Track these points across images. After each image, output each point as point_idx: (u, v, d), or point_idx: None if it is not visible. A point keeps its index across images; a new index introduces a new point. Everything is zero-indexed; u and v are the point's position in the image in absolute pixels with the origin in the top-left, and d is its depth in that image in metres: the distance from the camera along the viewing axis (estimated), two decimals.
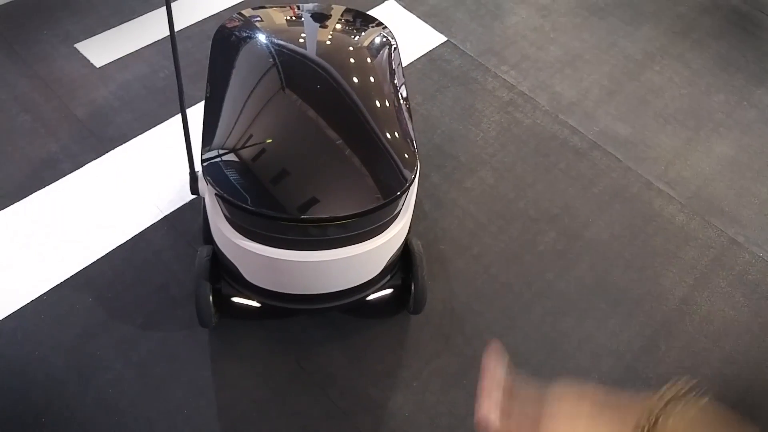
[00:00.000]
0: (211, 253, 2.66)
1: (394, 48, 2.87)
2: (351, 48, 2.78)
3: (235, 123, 2.44)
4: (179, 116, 3.58)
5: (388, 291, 2.82)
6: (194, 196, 3.24)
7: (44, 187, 3.28)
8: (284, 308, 2.68)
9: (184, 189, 3.29)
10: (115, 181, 3.34)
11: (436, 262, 3.19)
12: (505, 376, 1.27)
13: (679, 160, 3.81)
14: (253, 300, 2.69)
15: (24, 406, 2.61)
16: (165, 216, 3.21)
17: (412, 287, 2.78)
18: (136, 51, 4.00)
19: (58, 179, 3.32)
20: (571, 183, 3.62)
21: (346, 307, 2.73)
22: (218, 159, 2.34)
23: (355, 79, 2.63)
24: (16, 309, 2.85)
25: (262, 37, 2.77)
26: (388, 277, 2.78)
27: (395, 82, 2.71)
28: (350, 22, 2.97)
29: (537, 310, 3.08)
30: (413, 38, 4.32)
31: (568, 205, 3.51)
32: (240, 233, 2.38)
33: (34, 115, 3.60)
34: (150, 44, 4.04)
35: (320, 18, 2.94)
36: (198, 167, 2.50)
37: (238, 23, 2.87)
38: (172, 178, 3.36)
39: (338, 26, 2.91)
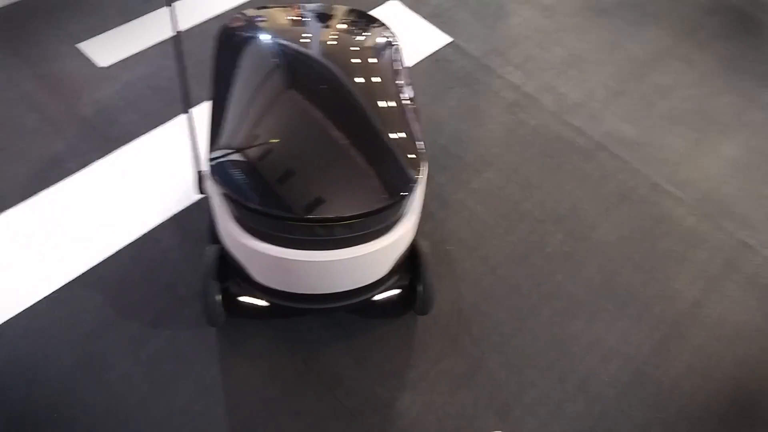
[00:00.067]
0: (219, 252, 2.65)
1: (398, 48, 2.87)
2: (355, 48, 2.78)
3: (241, 123, 2.44)
4: (184, 116, 3.59)
5: (395, 291, 2.80)
6: (201, 196, 3.24)
7: (51, 186, 3.28)
8: (291, 308, 2.68)
9: (191, 188, 3.28)
10: (121, 181, 3.33)
11: (443, 262, 3.18)
12: None
13: (688, 161, 3.80)
14: (261, 299, 2.68)
15: (35, 402, 2.60)
16: (172, 215, 3.20)
17: (419, 288, 2.77)
18: (140, 51, 3.99)
19: (64, 178, 3.31)
20: (577, 184, 3.60)
21: (353, 307, 2.72)
22: (225, 159, 2.33)
23: (360, 80, 2.62)
24: (26, 307, 2.85)
25: (265, 37, 2.77)
26: (395, 277, 2.77)
27: (400, 82, 2.70)
28: (353, 22, 2.97)
29: (545, 312, 3.07)
30: (418, 39, 4.31)
31: (575, 206, 3.50)
32: (247, 232, 2.37)
33: (40, 115, 3.59)
34: (154, 44, 4.03)
35: (323, 18, 2.94)
36: (204, 167, 2.49)
37: (241, 23, 2.87)
38: (179, 178, 3.35)
39: (341, 26, 2.91)
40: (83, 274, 2.97)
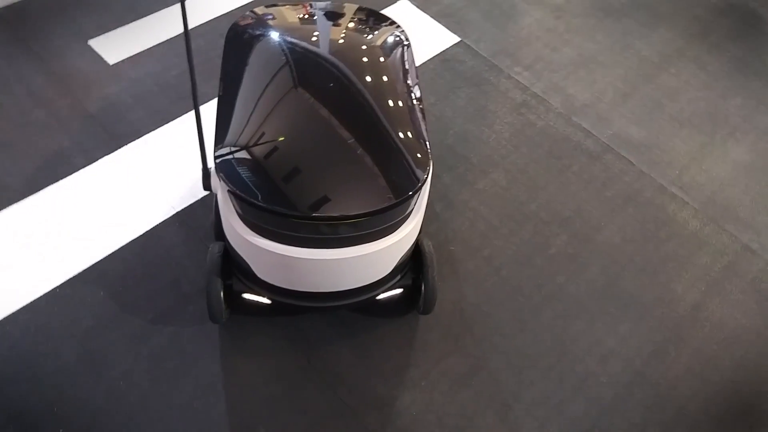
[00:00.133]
0: (223, 249, 2.67)
1: (408, 47, 2.87)
2: (364, 47, 2.78)
3: (248, 120, 2.45)
4: (191, 113, 3.61)
5: (398, 291, 2.82)
6: (205, 193, 3.26)
7: (57, 181, 3.31)
8: (294, 306, 2.69)
9: (196, 185, 3.30)
10: (127, 177, 3.36)
11: (446, 263, 3.19)
12: None
13: (694, 164, 3.78)
14: (264, 297, 2.70)
15: (36, 396, 2.63)
16: (177, 212, 3.23)
17: (422, 287, 2.78)
18: (148, 48, 4.02)
19: (70, 174, 3.35)
20: (583, 186, 3.60)
21: (356, 305, 2.74)
22: (231, 156, 2.34)
23: (368, 78, 2.63)
24: (29, 302, 2.88)
25: (274, 35, 2.78)
26: (399, 276, 2.78)
27: (408, 81, 2.71)
28: (363, 20, 2.97)
29: (547, 313, 3.07)
30: (426, 38, 4.31)
31: (581, 208, 3.50)
32: (252, 230, 2.39)
33: (48, 111, 3.63)
34: (162, 42, 4.06)
35: (333, 16, 2.94)
36: (211, 164, 2.51)
37: (250, 21, 2.88)
38: (184, 175, 3.38)
39: (351, 25, 2.91)
40: (86, 269, 3.00)
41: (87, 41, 4.02)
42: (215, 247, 2.68)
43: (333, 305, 2.71)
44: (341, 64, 2.65)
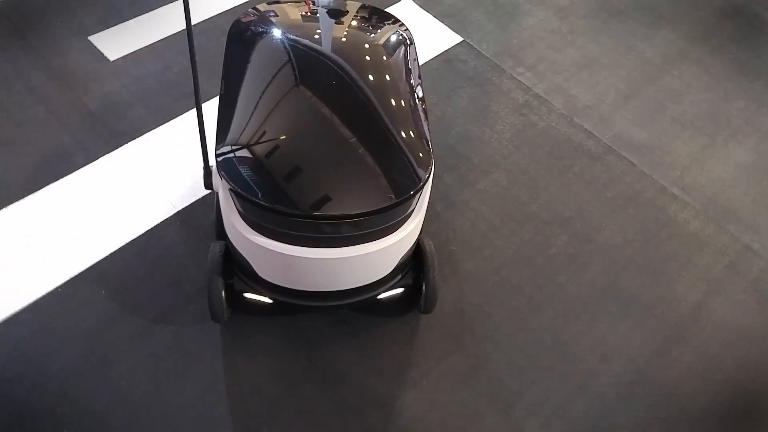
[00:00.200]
0: (224, 248, 2.66)
1: (411, 45, 2.86)
2: (367, 45, 2.77)
3: (250, 119, 2.44)
4: (192, 111, 3.60)
5: (399, 290, 2.81)
6: (207, 192, 3.26)
7: (57, 180, 3.30)
8: (296, 305, 2.68)
9: (197, 184, 3.30)
10: (128, 176, 3.35)
11: (447, 262, 3.18)
12: None
13: (696, 165, 3.78)
14: (265, 296, 2.69)
15: (40, 396, 2.63)
16: (177, 211, 3.22)
17: (423, 287, 2.78)
18: (149, 45, 4.01)
19: (71, 172, 3.34)
20: (584, 186, 3.60)
21: (357, 305, 2.73)
22: (233, 154, 2.34)
23: (371, 77, 2.62)
24: (31, 301, 2.88)
25: (277, 33, 2.77)
26: (400, 276, 2.78)
27: (411, 80, 2.70)
28: (366, 18, 2.96)
29: (548, 313, 3.07)
30: (429, 38, 4.30)
31: (581, 208, 3.49)
32: (253, 229, 2.38)
33: (48, 108, 3.61)
34: (163, 38, 4.05)
35: (336, 14, 2.93)
36: (212, 162, 2.51)
37: (253, 18, 2.87)
38: (185, 174, 3.37)
39: (354, 22, 2.90)
40: (87, 269, 3.00)
41: (87, 37, 4.01)
42: (216, 246, 2.67)
43: (334, 304, 2.70)
44: (344, 63, 2.64)
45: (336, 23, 2.90)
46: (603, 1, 4.77)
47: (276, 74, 2.60)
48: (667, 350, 3.00)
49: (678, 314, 3.13)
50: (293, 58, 2.65)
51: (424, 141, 2.48)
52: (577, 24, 4.58)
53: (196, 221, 3.19)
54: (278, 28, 2.79)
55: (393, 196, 2.29)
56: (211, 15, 4.23)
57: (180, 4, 4.23)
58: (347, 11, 2.95)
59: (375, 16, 2.98)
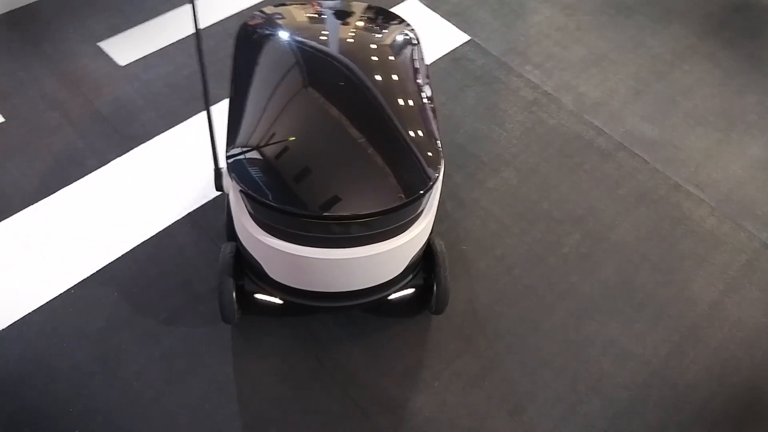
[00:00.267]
0: (235, 249, 2.67)
1: (418, 45, 2.86)
2: (374, 45, 2.77)
3: (260, 120, 2.45)
4: (203, 114, 3.62)
5: (410, 290, 2.80)
6: (217, 194, 3.27)
7: (70, 183, 3.33)
8: (306, 306, 2.68)
9: (207, 186, 3.31)
10: (139, 179, 3.37)
11: (458, 262, 3.17)
12: None
13: (710, 161, 3.73)
14: (276, 297, 2.69)
15: (51, 397, 2.65)
16: (188, 213, 3.24)
17: (434, 287, 2.76)
18: (159, 50, 4.04)
19: (83, 176, 3.36)
20: (596, 184, 3.56)
21: (368, 305, 2.72)
22: (243, 156, 2.34)
23: (379, 77, 2.62)
24: (43, 303, 2.90)
25: (284, 35, 2.77)
26: (410, 276, 2.77)
27: (419, 80, 2.69)
28: (373, 19, 2.96)
29: (560, 313, 3.04)
30: (436, 37, 4.29)
31: (593, 207, 3.46)
32: (264, 230, 2.39)
33: (60, 112, 3.65)
34: (173, 43, 4.08)
35: (342, 15, 2.94)
36: (222, 164, 2.51)
37: (260, 21, 2.88)
38: (196, 176, 3.39)
39: (361, 23, 2.90)
40: (99, 271, 3.01)
41: (98, 43, 4.05)
42: (227, 248, 2.68)
43: (344, 305, 2.70)
44: (351, 63, 2.64)
45: (342, 24, 2.90)
46: None
47: (284, 76, 2.60)
48: (682, 351, 2.96)
49: (694, 314, 3.09)
50: (300, 60, 2.65)
51: (433, 140, 2.47)
52: (584, 20, 4.55)
53: (207, 223, 3.20)
54: (285, 30, 2.80)
55: (403, 195, 2.28)
56: (219, 19, 4.25)
57: (188, 8, 4.26)
58: (353, 12, 2.95)
59: (381, 17, 2.98)
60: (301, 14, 2.92)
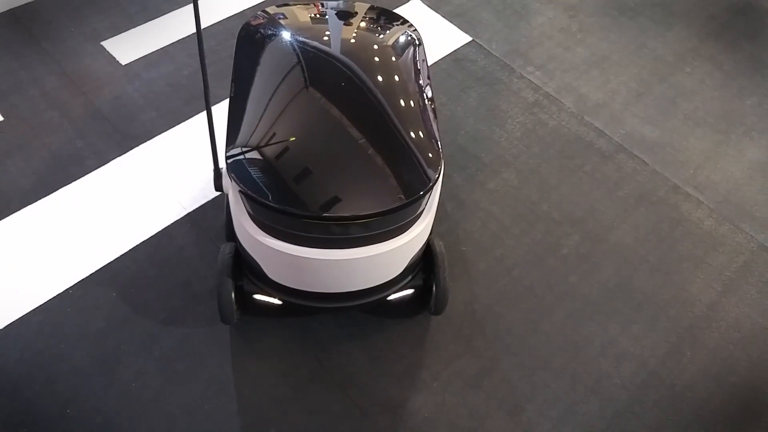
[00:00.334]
0: (234, 250, 2.67)
1: (420, 46, 2.86)
2: (376, 46, 2.77)
3: (260, 121, 2.45)
4: (203, 114, 3.62)
5: (410, 291, 2.80)
6: (217, 194, 3.27)
7: (70, 183, 3.33)
8: (305, 306, 2.68)
9: (207, 186, 3.31)
10: (139, 178, 3.37)
11: (458, 263, 3.17)
12: None
13: (709, 163, 3.73)
14: (275, 298, 2.69)
15: (50, 397, 2.64)
16: (188, 213, 3.24)
17: (434, 288, 2.77)
18: (160, 49, 4.04)
19: (83, 175, 3.36)
20: (596, 186, 3.57)
21: (367, 306, 2.72)
22: (242, 156, 2.34)
23: (380, 78, 2.62)
24: (42, 303, 2.90)
25: (286, 35, 2.77)
26: (410, 277, 2.77)
27: (420, 81, 2.69)
28: (375, 19, 2.95)
29: (559, 314, 3.05)
30: (438, 38, 4.29)
31: (593, 208, 3.46)
32: (263, 230, 2.39)
33: (60, 112, 3.65)
34: (174, 42, 4.08)
35: (345, 16, 2.93)
36: (222, 164, 2.52)
37: (262, 21, 2.88)
38: (195, 176, 3.39)
39: (363, 24, 2.90)
40: (98, 270, 3.02)
41: (100, 42, 4.05)
42: (226, 248, 2.68)
43: (344, 306, 2.70)
44: (353, 64, 2.64)
45: (345, 25, 2.90)
46: None
47: (285, 76, 2.60)
48: (680, 351, 2.97)
49: (692, 315, 3.09)
50: (302, 60, 2.65)
51: (433, 141, 2.47)
52: (586, 22, 4.55)
53: (207, 223, 3.20)
54: (287, 31, 2.80)
55: (403, 196, 2.29)
56: (221, 18, 4.25)
57: (190, 8, 4.26)
58: (356, 13, 2.95)
59: (383, 18, 2.98)
60: (303, 15, 2.92)
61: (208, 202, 3.28)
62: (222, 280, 2.62)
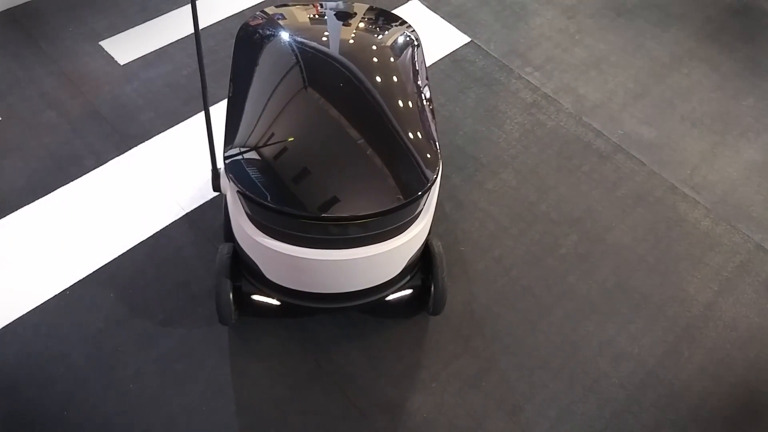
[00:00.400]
0: (232, 250, 2.67)
1: (418, 47, 2.86)
2: (374, 47, 2.77)
3: (258, 121, 2.45)
4: (202, 114, 3.62)
5: (408, 291, 2.80)
6: (215, 194, 3.27)
7: (68, 183, 3.33)
8: (304, 307, 2.69)
9: (205, 186, 3.31)
10: (137, 178, 3.37)
11: (456, 263, 3.17)
12: None
13: (706, 164, 3.75)
14: (273, 298, 2.69)
15: (47, 399, 2.64)
16: (186, 213, 3.24)
17: (432, 288, 2.77)
18: (159, 49, 4.03)
19: (81, 176, 3.36)
20: (594, 186, 3.58)
21: (366, 306, 2.73)
22: (241, 157, 2.34)
23: (378, 79, 2.62)
24: (39, 303, 2.90)
25: (285, 36, 2.77)
26: (408, 277, 2.77)
27: (419, 81, 2.70)
28: (374, 20, 2.96)
29: (557, 314, 3.05)
30: (436, 39, 4.30)
31: (591, 208, 3.47)
32: (261, 231, 2.39)
33: (59, 112, 3.65)
34: (173, 42, 4.08)
35: (344, 16, 2.94)
36: (220, 164, 2.52)
37: (261, 21, 2.88)
38: (194, 176, 3.39)
39: (362, 25, 2.90)
40: (96, 271, 3.01)
41: (98, 42, 4.04)
42: (224, 249, 2.68)
43: (342, 306, 2.70)
44: (351, 65, 2.64)
45: (343, 26, 2.90)
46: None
47: (284, 77, 2.60)
48: (677, 351, 2.98)
49: (689, 314, 3.10)
50: (301, 61, 2.65)
51: (431, 142, 2.47)
52: (584, 23, 4.56)
53: (205, 223, 3.20)
54: (286, 31, 2.80)
55: (401, 197, 2.29)
56: (220, 18, 4.25)
57: (188, 8, 4.25)
58: (355, 13, 2.95)
59: (382, 18, 2.98)
60: (302, 15, 2.92)
61: (207, 202, 3.28)
62: (220, 281, 2.62)
